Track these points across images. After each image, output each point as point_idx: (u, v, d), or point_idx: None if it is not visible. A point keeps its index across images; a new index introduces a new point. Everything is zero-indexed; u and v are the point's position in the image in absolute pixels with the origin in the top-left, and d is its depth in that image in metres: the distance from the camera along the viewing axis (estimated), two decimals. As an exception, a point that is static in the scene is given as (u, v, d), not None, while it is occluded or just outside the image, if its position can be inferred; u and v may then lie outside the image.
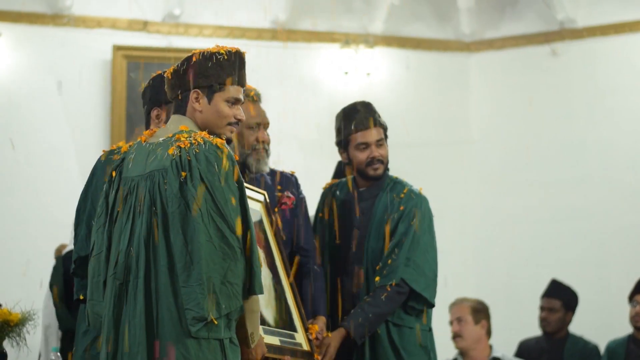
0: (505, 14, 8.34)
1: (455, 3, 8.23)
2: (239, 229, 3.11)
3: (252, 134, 4.04)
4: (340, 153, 4.39)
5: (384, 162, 4.33)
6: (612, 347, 6.13)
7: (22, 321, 4.12)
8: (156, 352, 3.04)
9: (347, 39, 8.09)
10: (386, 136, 4.36)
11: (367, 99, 4.42)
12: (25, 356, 4.22)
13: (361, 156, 4.29)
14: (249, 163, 4.01)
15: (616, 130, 7.85)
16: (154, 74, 3.69)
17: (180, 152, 3.15)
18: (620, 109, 7.87)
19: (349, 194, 4.38)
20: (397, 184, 4.36)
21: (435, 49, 8.37)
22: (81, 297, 3.53)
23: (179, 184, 3.11)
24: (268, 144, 4.12)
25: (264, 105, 4.16)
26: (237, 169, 3.18)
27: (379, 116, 4.35)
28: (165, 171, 3.15)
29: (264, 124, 4.10)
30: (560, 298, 6.41)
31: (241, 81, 3.34)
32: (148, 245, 3.12)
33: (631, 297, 6.00)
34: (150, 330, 3.07)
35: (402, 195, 4.30)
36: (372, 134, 4.29)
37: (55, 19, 7.55)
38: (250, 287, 3.14)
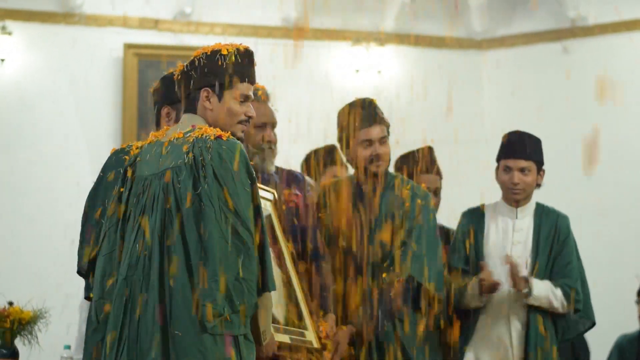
0: (517, 12, 8.32)
1: (466, 1, 8.21)
2: (252, 226, 3.11)
3: (259, 133, 4.03)
4: (342, 149, 4.38)
5: (387, 159, 4.32)
6: (623, 343, 6.10)
7: (34, 319, 4.14)
8: (170, 348, 3.05)
9: (359, 37, 8.08)
10: (389, 133, 4.35)
11: (378, 97, 4.41)
12: (37, 354, 4.23)
13: (364, 153, 4.28)
14: (255, 162, 4.00)
15: (628, 127, 7.82)
16: (165, 73, 3.69)
17: (193, 149, 3.15)
18: (632, 106, 7.84)
19: (350, 191, 4.37)
20: (399, 180, 4.36)
21: (446, 46, 8.35)
22: (91, 296, 3.53)
23: (192, 181, 3.11)
24: (275, 143, 4.11)
25: (274, 103, 4.15)
26: (249, 166, 3.18)
27: (382, 113, 4.34)
28: (178, 169, 3.15)
29: (271, 124, 4.09)
30: None
31: (251, 79, 3.34)
32: (162, 243, 3.12)
33: None
34: (163, 326, 3.07)
35: (406, 192, 4.30)
36: (376, 131, 4.28)
37: (67, 17, 7.56)
38: (264, 284, 3.14)
